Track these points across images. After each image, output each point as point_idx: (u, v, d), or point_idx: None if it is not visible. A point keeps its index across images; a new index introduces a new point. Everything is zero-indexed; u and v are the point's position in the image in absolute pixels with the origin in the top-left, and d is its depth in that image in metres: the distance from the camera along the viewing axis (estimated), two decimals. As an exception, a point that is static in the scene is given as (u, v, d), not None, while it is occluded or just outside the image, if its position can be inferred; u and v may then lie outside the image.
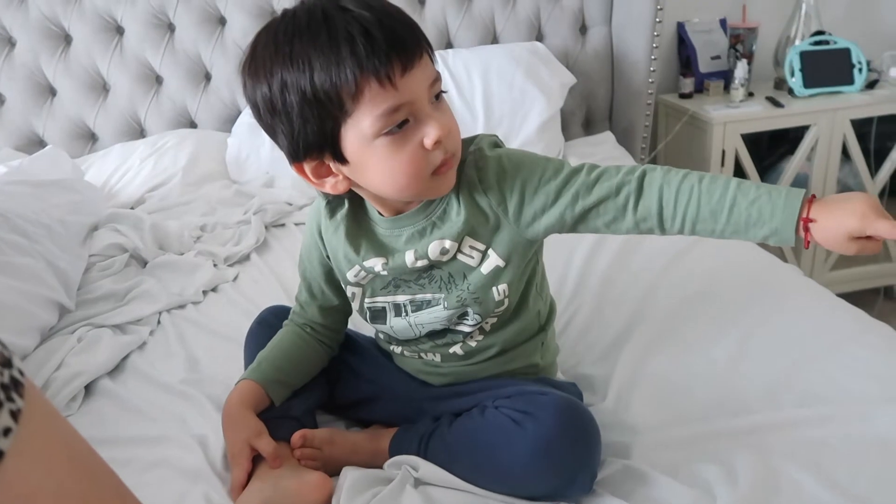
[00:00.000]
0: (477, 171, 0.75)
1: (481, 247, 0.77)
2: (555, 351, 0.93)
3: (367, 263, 0.82)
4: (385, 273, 0.81)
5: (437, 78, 0.71)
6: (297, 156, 0.72)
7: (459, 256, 0.78)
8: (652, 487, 0.74)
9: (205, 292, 1.30)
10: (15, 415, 0.32)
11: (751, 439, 0.79)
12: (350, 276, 0.84)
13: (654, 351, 0.98)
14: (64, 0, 1.85)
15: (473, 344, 0.85)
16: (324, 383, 0.93)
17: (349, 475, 0.79)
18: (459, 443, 0.78)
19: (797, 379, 0.88)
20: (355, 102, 0.66)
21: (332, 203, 0.83)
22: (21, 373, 0.34)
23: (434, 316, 0.82)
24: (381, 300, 0.84)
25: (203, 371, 1.07)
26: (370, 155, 0.69)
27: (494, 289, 0.79)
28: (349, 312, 0.94)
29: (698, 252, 1.24)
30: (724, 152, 2.14)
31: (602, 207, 0.72)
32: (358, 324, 0.98)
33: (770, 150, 2.40)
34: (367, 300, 0.85)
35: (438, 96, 0.71)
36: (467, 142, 0.78)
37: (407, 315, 0.83)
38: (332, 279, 0.89)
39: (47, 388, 0.99)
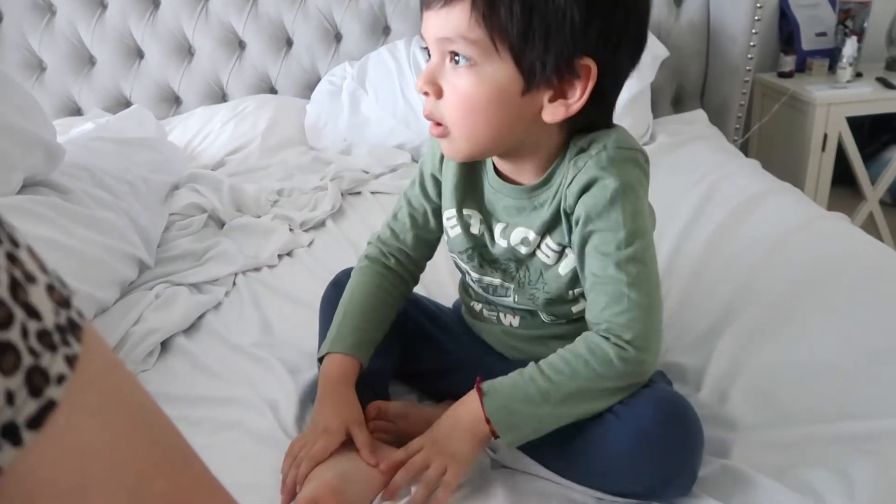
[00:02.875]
0: (585, 183, 0.69)
1: (558, 246, 0.74)
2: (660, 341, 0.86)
3: (466, 211, 0.79)
4: (476, 232, 0.79)
5: (454, 39, 0.65)
6: None
7: (538, 253, 0.75)
8: (754, 490, 0.67)
9: (280, 256, 1.29)
10: (71, 361, 0.29)
11: (870, 446, 0.70)
12: (445, 216, 0.82)
13: (755, 342, 0.90)
14: (153, -37, 1.87)
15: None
16: (399, 350, 0.89)
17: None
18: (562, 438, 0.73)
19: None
20: None
21: None
22: (80, 315, 0.31)
23: (503, 301, 0.80)
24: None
25: (276, 335, 1.06)
26: None
27: (571, 292, 0.75)
28: (434, 250, 0.91)
29: (798, 241, 1.14)
30: (825, 136, 1.99)
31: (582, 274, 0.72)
32: (436, 294, 0.93)
33: (871, 137, 2.22)
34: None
35: (454, 58, 0.67)
36: (602, 133, 0.70)
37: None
38: (440, 210, 0.85)
39: (125, 342, 1.00)
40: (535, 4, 0.62)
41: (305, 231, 1.39)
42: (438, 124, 0.70)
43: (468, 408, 0.71)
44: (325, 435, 0.74)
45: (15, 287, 0.27)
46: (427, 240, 0.89)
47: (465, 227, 0.80)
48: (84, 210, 1.12)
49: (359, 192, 1.55)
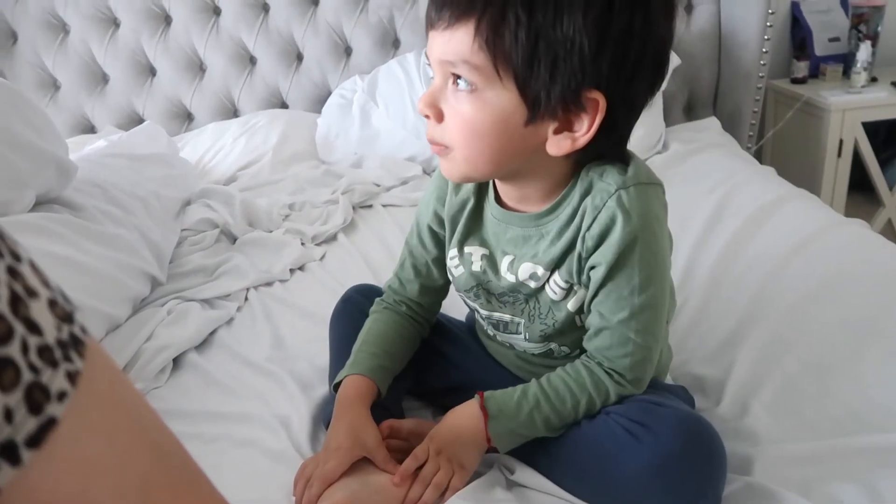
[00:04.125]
0: (605, 226, 0.66)
1: (565, 283, 0.72)
2: (668, 354, 0.84)
3: (467, 248, 0.78)
4: (478, 269, 0.77)
5: (455, 63, 0.63)
6: None
7: (546, 288, 0.74)
8: (779, 507, 0.65)
9: (292, 270, 1.28)
10: (73, 377, 0.28)
11: (898, 459, 0.68)
12: (448, 256, 0.81)
13: (775, 352, 0.88)
14: (165, -19, 1.88)
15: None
16: (411, 369, 0.88)
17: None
18: (564, 447, 0.71)
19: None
20: None
21: None
22: (83, 330, 0.30)
23: (515, 341, 0.80)
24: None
25: (288, 349, 1.05)
26: None
27: (578, 318, 0.74)
28: (446, 293, 0.89)
29: (817, 248, 1.12)
30: (841, 142, 1.97)
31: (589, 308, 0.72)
32: (448, 307, 0.92)
33: (886, 142, 2.19)
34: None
35: (457, 81, 0.64)
36: (618, 165, 0.68)
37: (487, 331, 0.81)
38: (442, 259, 0.84)
39: (137, 359, 1.00)
40: (541, 31, 0.59)
41: (317, 245, 1.38)
42: (435, 143, 0.69)
43: (469, 423, 0.73)
44: (336, 454, 0.73)
45: (15, 301, 0.27)
46: (433, 288, 0.88)
47: (468, 264, 0.79)
48: (96, 226, 1.12)
49: (370, 206, 1.55)
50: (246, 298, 1.21)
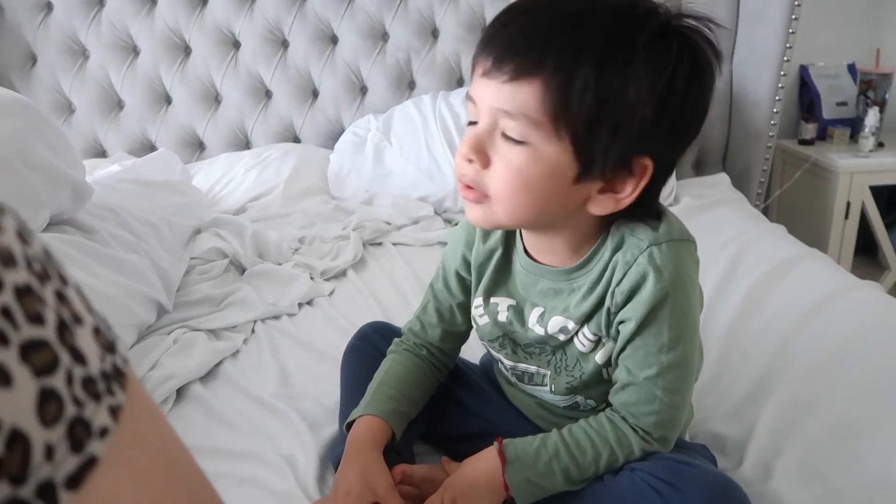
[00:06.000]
0: (636, 282, 0.66)
1: (594, 336, 0.71)
2: (690, 412, 0.82)
3: (494, 299, 0.77)
4: (504, 320, 0.76)
5: (514, 115, 0.61)
6: None
7: (575, 340, 0.72)
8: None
9: (300, 305, 1.26)
10: (115, 412, 0.26)
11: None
12: (472, 305, 0.79)
13: (798, 414, 0.86)
14: (187, 13, 1.91)
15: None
16: (425, 414, 0.85)
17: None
18: (585, 501, 0.69)
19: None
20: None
21: None
22: (125, 361, 0.28)
23: (539, 393, 0.78)
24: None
25: (294, 386, 1.03)
26: None
27: (605, 371, 0.73)
28: (467, 339, 0.88)
29: (834, 309, 1.10)
30: (849, 204, 1.98)
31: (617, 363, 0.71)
32: (465, 350, 0.90)
33: (889, 206, 2.21)
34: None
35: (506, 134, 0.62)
36: (650, 223, 0.67)
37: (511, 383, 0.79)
38: (467, 305, 0.83)
39: (140, 388, 0.97)
40: (607, 97, 0.59)
41: (326, 280, 1.36)
42: (470, 187, 0.66)
43: (486, 470, 0.70)
44: (346, 499, 0.70)
45: (62, 328, 0.25)
46: (455, 333, 0.86)
47: (493, 315, 0.77)
48: (107, 250, 1.11)
49: (380, 243, 1.54)
50: (253, 331, 1.19)
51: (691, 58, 0.61)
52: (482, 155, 0.64)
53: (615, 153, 0.61)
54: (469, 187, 0.66)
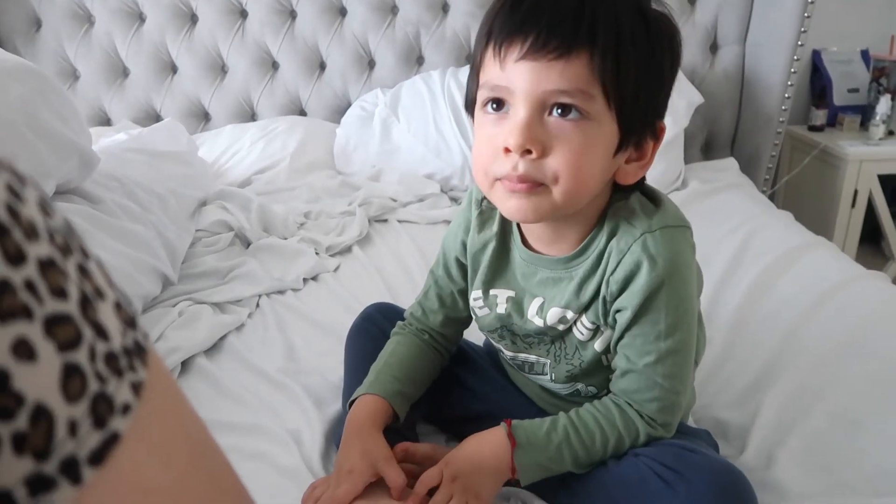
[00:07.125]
0: (630, 271, 0.65)
1: (592, 325, 0.71)
2: (692, 396, 0.82)
3: (493, 291, 0.76)
4: (503, 312, 0.76)
5: (571, 92, 0.59)
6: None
7: (574, 329, 0.72)
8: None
9: (305, 280, 1.26)
10: (137, 388, 0.26)
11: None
12: (471, 297, 0.79)
13: (803, 403, 0.86)
14: (194, -20, 1.88)
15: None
16: (428, 395, 0.85)
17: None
18: (589, 485, 0.69)
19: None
20: (480, 60, 0.64)
21: (484, 214, 0.77)
22: (146, 336, 0.28)
23: (540, 381, 0.78)
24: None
25: (300, 361, 1.03)
26: (476, 123, 0.67)
27: (605, 357, 0.73)
28: (469, 324, 0.87)
29: (840, 298, 1.10)
30: (856, 192, 1.97)
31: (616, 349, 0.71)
32: (466, 331, 0.90)
33: (894, 196, 2.20)
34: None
35: (563, 112, 0.60)
36: (645, 205, 0.68)
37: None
38: (466, 292, 0.82)
39: (146, 360, 0.97)
40: (645, 63, 0.60)
41: (332, 256, 1.36)
42: (524, 180, 0.62)
43: (494, 450, 0.70)
44: (349, 477, 0.70)
45: (85, 303, 0.25)
46: (457, 319, 0.86)
47: (493, 306, 0.77)
48: (113, 221, 1.10)
49: (385, 220, 1.53)
50: (258, 305, 1.18)
51: (666, 19, 0.64)
52: (540, 144, 0.61)
53: (651, 118, 0.63)
54: (529, 180, 0.63)
